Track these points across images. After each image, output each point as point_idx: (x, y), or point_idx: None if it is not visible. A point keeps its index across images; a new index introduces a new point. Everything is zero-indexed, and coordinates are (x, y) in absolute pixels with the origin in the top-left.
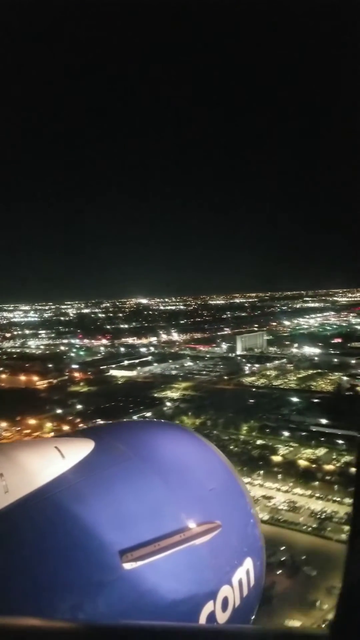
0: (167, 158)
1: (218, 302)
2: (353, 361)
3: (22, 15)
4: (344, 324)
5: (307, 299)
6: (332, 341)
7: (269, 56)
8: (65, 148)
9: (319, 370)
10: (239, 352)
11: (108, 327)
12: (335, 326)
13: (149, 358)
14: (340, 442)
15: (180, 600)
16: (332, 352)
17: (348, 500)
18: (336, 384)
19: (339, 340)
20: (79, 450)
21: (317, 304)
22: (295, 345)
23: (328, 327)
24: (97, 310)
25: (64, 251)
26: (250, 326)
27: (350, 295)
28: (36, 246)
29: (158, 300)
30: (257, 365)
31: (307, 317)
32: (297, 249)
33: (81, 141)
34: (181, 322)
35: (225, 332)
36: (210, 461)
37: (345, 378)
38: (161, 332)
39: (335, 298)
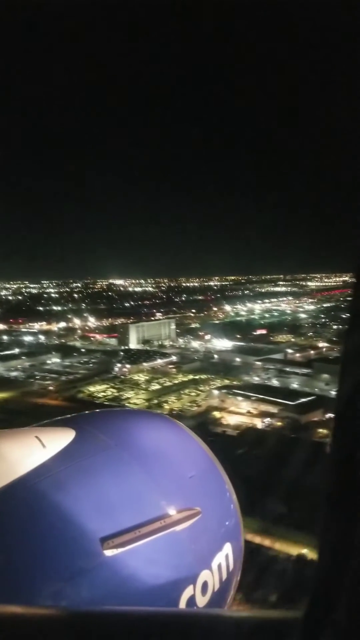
0: (167, 145)
1: (193, 284)
2: (258, 363)
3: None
4: (289, 311)
5: (281, 282)
6: (255, 333)
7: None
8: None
9: (201, 376)
10: (130, 345)
11: (40, 309)
12: (276, 313)
13: (16, 351)
14: None
15: (160, 585)
16: (243, 347)
17: None
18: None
19: (264, 331)
20: (60, 439)
21: (283, 289)
22: (208, 336)
23: (267, 315)
24: (62, 290)
25: (58, 227)
26: (188, 311)
27: (326, 280)
28: (24, 222)
29: (134, 281)
30: (130, 365)
31: (259, 302)
32: (291, 232)
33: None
34: (124, 305)
35: (155, 318)
36: (190, 449)
37: (216, 392)
38: (80, 316)
39: (309, 283)
